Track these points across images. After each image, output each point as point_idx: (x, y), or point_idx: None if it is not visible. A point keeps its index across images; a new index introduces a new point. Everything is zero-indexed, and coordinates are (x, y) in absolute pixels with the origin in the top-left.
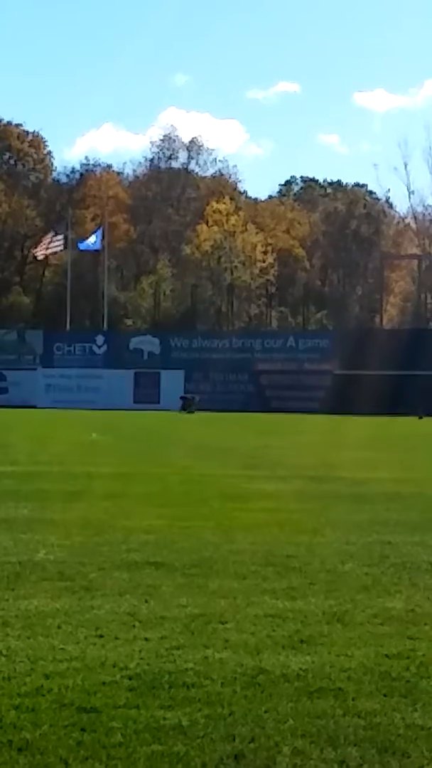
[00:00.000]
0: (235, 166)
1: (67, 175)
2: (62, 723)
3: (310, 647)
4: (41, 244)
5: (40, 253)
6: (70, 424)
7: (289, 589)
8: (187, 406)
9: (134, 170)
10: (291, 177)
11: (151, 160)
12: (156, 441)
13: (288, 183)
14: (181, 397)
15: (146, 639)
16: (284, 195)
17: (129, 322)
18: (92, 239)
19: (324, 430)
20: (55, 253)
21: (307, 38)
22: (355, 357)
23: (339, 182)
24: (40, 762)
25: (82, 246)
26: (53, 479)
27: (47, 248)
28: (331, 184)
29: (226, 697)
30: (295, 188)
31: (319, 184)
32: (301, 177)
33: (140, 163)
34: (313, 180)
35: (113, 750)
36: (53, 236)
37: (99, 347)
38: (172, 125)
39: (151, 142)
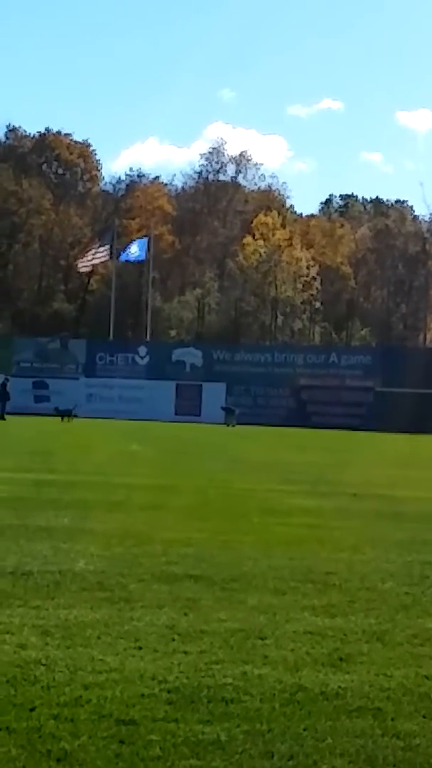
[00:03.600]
0: (284, 183)
1: (113, 185)
2: (101, 734)
3: (350, 666)
4: (86, 257)
5: (82, 266)
6: (111, 435)
7: (328, 606)
8: (229, 415)
9: (183, 183)
10: (335, 193)
11: (199, 172)
12: (197, 453)
13: (330, 199)
14: (222, 407)
15: (185, 652)
16: (326, 213)
17: (172, 333)
18: (134, 249)
19: (365, 447)
20: (102, 263)
21: (352, 56)
22: (398, 374)
23: (381, 200)
24: None
25: (123, 257)
26: (94, 489)
27: (92, 260)
28: (374, 201)
29: (264, 713)
30: (338, 205)
31: (361, 201)
32: (341, 195)
33: (189, 175)
34: (354, 197)
35: (151, 763)
36: (98, 247)
37: (141, 358)
38: (221, 138)
39: (200, 155)
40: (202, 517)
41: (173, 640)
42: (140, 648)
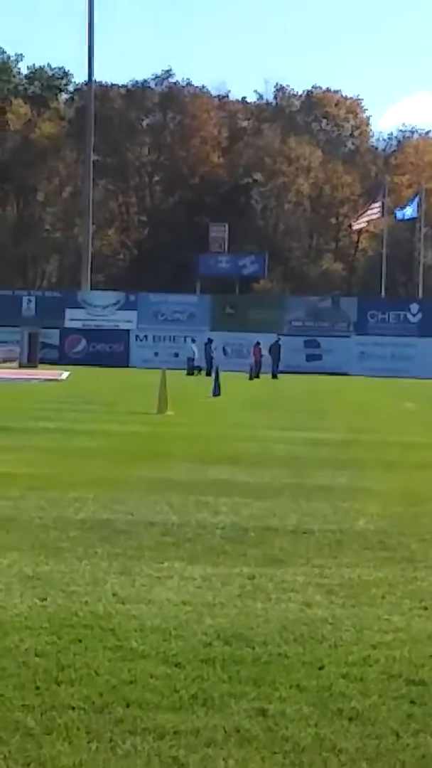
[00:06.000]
0: None
1: (384, 141)
2: (391, 694)
3: None
4: (360, 215)
5: (356, 225)
6: (384, 393)
7: None
8: None
9: None
10: None
11: None
12: None
13: None
14: None
15: None
16: None
17: None
18: (408, 210)
19: None
20: (372, 221)
21: None
22: None
23: None
24: (371, 732)
25: (399, 216)
26: (369, 448)
27: (365, 218)
28: None
29: None
30: None
31: None
32: None
33: None
34: None
35: None
36: (369, 205)
37: (413, 316)
38: None
39: None
40: None
41: None
42: (426, 608)
